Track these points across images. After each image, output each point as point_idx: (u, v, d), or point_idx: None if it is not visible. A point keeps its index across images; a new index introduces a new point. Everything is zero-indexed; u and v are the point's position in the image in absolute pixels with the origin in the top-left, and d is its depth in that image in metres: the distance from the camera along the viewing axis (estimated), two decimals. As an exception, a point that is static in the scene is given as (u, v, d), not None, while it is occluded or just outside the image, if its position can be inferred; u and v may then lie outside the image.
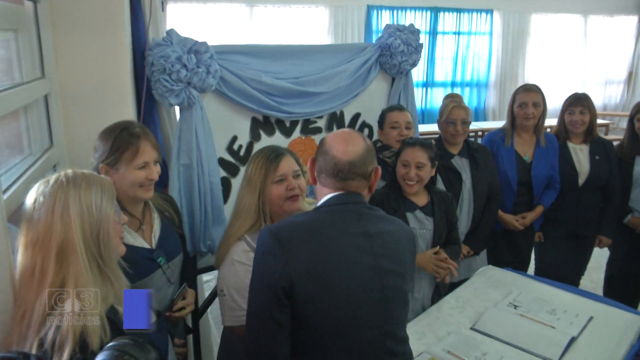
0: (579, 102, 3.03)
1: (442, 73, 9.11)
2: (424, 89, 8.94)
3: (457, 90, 9.20)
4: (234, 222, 1.84)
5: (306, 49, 2.69)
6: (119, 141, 1.67)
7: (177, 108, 2.28)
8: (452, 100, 2.81)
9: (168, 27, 2.22)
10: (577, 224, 3.06)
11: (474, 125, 7.66)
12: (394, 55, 2.83)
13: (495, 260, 2.93)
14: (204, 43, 2.19)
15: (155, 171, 1.73)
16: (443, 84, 9.13)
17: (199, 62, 2.16)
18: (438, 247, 2.31)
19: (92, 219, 1.18)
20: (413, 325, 2.12)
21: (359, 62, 2.79)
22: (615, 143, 3.24)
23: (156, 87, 2.14)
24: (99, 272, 1.18)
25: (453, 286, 2.53)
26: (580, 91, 3.16)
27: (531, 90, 2.95)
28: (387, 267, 1.40)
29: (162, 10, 6.51)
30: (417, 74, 8.84)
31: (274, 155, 1.83)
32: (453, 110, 2.74)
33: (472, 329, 2.13)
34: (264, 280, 1.34)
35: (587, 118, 3.03)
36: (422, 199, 2.36)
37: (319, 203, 1.46)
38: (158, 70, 2.10)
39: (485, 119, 9.27)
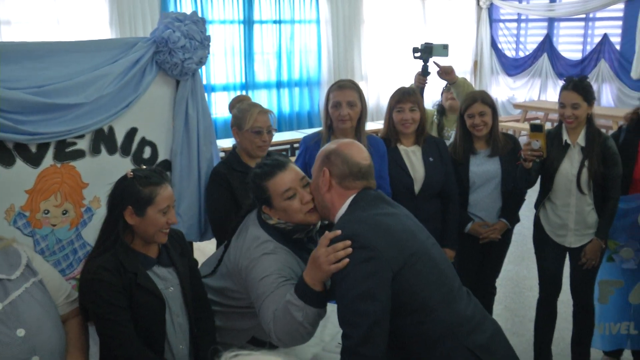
0: (407, 98, 3.34)
1: (264, 72, 9.48)
2: (244, 92, 9.17)
3: (285, 92, 9.62)
4: None
5: (51, 48, 2.62)
6: None
7: None
8: (252, 105, 2.95)
9: None
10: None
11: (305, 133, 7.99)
12: (174, 52, 2.85)
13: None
14: None
15: None
16: (266, 85, 9.50)
17: None
18: None
19: None
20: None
21: (127, 63, 2.78)
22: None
23: None
24: None
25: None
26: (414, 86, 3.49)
27: (345, 87, 3.18)
28: None
29: None
30: (234, 74, 9.09)
31: None
32: (259, 117, 2.89)
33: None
34: None
35: (417, 116, 3.35)
36: (153, 251, 2.31)
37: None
38: None
39: (320, 125, 9.74)
